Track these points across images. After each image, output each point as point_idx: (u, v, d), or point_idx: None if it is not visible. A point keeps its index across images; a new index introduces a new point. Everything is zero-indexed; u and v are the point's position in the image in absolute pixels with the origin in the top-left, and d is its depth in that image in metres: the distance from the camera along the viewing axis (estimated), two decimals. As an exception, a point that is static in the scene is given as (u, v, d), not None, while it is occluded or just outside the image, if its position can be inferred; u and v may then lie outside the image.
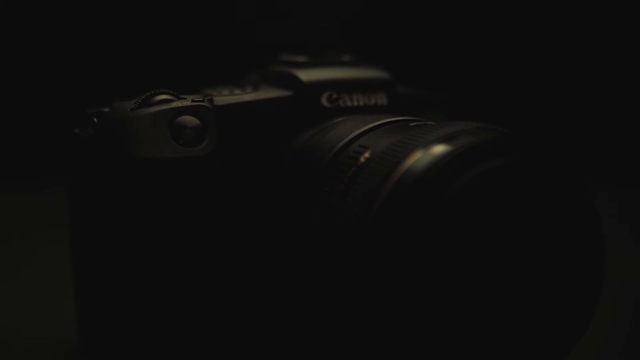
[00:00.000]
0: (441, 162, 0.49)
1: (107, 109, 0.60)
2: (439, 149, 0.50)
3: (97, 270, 0.60)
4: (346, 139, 0.58)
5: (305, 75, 0.64)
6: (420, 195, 0.49)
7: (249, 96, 0.62)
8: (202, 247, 0.58)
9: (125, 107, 0.58)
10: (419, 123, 0.58)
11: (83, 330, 0.64)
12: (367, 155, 0.55)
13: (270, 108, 0.62)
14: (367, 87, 0.65)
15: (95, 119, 0.60)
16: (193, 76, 0.89)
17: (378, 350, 0.51)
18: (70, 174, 0.63)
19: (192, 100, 0.59)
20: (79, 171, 0.62)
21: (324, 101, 0.63)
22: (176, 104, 0.58)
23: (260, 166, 0.61)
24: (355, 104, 0.64)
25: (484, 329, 0.51)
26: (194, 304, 0.58)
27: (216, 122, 0.58)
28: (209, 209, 0.58)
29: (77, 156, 0.61)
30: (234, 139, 0.60)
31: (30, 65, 1.33)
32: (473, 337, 0.51)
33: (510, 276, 0.51)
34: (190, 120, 0.58)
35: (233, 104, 0.61)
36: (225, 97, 0.62)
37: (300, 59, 0.66)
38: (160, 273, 0.57)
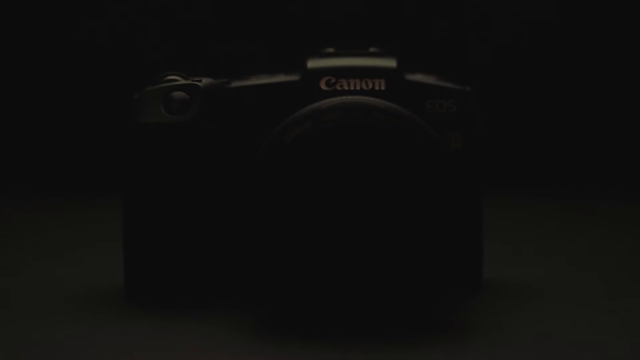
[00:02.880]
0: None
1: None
2: None
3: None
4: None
5: (313, 63, 0.71)
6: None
7: (259, 81, 0.72)
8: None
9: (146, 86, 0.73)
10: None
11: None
12: None
13: (269, 91, 0.72)
14: (367, 73, 0.70)
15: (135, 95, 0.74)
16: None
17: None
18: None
19: (192, 81, 0.71)
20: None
21: (322, 85, 0.70)
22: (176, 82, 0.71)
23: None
24: (352, 88, 0.70)
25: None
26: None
27: (201, 98, 0.71)
28: (192, 160, 0.72)
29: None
30: (219, 113, 0.71)
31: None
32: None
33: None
34: (179, 94, 0.71)
35: (216, 84, 0.72)
36: (239, 82, 0.73)
37: (328, 50, 0.74)
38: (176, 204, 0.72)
